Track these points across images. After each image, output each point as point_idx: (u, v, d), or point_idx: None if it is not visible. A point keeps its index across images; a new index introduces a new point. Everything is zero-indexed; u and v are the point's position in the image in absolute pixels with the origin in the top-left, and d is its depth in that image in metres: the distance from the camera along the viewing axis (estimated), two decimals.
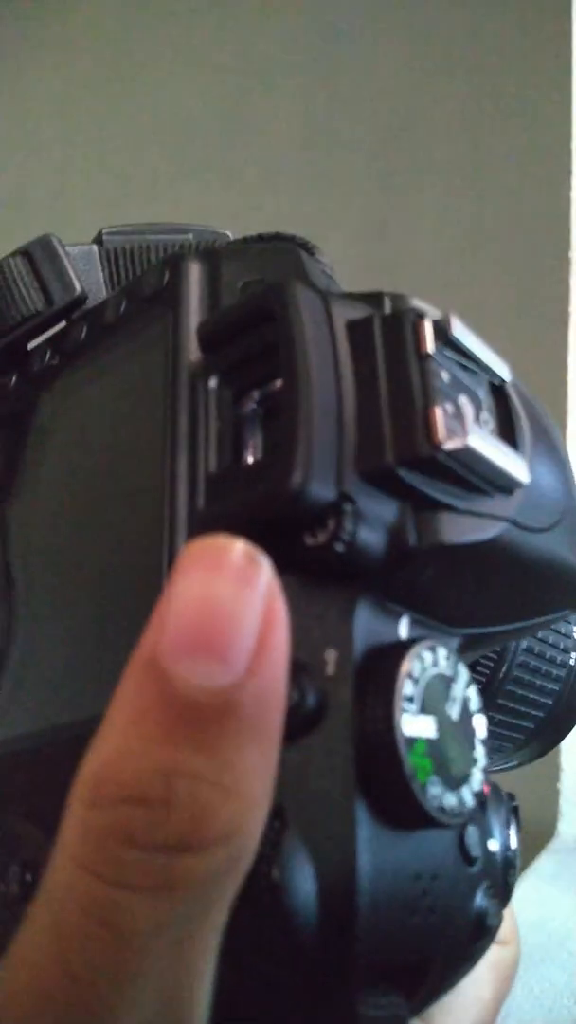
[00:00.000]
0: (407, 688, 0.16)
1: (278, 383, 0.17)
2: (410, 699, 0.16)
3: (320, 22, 0.95)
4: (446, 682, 0.17)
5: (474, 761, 0.17)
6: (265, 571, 0.14)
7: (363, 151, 0.92)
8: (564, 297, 0.76)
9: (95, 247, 0.26)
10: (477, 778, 0.17)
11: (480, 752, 0.17)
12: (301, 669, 0.16)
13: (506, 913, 0.20)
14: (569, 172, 0.76)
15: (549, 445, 0.20)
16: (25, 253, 0.26)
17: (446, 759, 0.16)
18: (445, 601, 0.18)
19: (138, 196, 1.09)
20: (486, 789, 0.18)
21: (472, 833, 0.18)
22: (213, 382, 0.18)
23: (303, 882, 0.15)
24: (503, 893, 0.19)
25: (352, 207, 0.93)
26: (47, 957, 0.13)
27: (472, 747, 0.17)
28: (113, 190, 1.11)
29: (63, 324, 0.25)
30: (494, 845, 0.19)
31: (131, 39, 1.10)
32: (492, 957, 0.23)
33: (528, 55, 0.82)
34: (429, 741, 0.16)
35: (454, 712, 0.17)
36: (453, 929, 0.17)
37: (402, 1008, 0.16)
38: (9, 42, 1.17)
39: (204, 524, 0.17)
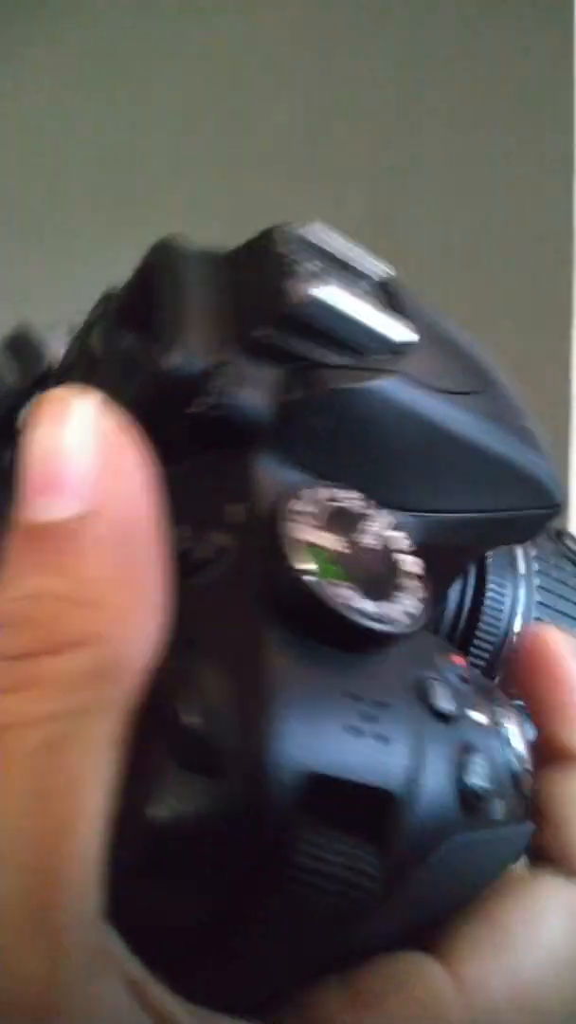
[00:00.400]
0: (303, 507, 0.17)
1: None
2: (308, 515, 0.17)
3: (320, 20, 0.95)
4: (359, 518, 0.17)
5: (400, 587, 0.17)
6: (90, 410, 0.15)
7: (363, 148, 0.92)
8: (567, 294, 0.76)
9: (67, 328, 0.27)
10: (408, 601, 0.17)
11: (412, 584, 0.17)
12: (200, 522, 0.17)
13: None
14: (571, 169, 0.76)
15: (447, 327, 0.22)
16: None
17: (365, 574, 0.16)
18: (353, 465, 0.19)
19: (138, 194, 1.09)
20: (459, 661, 0.19)
21: (440, 688, 0.17)
22: (127, 342, 0.20)
23: (219, 693, 0.15)
24: (514, 794, 0.18)
25: (352, 204, 0.93)
26: None
27: (395, 574, 0.17)
28: (112, 188, 1.11)
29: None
30: (482, 719, 0.18)
31: (130, 36, 1.10)
32: (566, 897, 0.18)
33: (529, 53, 0.81)
34: (337, 554, 0.16)
35: (375, 542, 0.17)
36: (425, 778, 0.16)
37: (365, 857, 0.15)
38: (8, 41, 1.17)
39: None
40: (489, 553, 0.24)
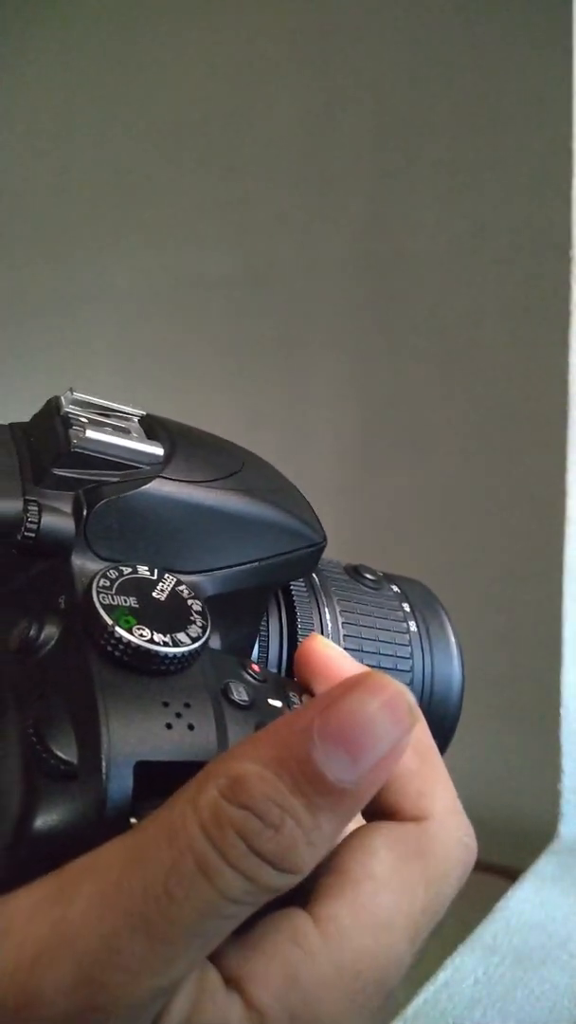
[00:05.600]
0: (103, 583, 0.23)
1: None
2: (107, 587, 0.23)
3: (320, 20, 0.95)
4: (147, 582, 0.24)
5: (187, 621, 0.24)
6: (412, 715, 0.20)
7: (363, 149, 0.92)
8: (565, 296, 0.76)
9: None
10: (193, 629, 0.23)
11: (195, 617, 0.24)
12: (36, 613, 0.24)
13: (420, 789, 0.24)
14: (570, 170, 0.76)
15: (203, 436, 0.29)
16: None
17: (156, 617, 0.23)
18: (143, 549, 0.25)
19: (138, 195, 1.09)
20: (255, 668, 0.25)
21: (237, 687, 0.24)
22: None
23: (69, 722, 0.22)
24: None
25: (352, 206, 0.93)
26: (152, 868, 0.19)
27: (182, 614, 0.24)
28: (113, 188, 1.11)
29: None
30: (276, 703, 0.25)
31: (131, 37, 1.10)
32: (392, 836, 0.23)
33: (528, 54, 0.82)
34: (131, 608, 0.23)
35: (161, 595, 0.24)
36: (229, 747, 0.22)
37: None
38: (9, 40, 1.17)
39: None
40: (295, 592, 0.31)
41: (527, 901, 0.65)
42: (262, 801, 0.19)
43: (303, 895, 0.22)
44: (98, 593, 0.23)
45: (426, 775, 0.24)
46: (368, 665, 0.30)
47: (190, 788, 0.20)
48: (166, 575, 0.25)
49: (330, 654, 0.27)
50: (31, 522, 0.24)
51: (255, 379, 1.00)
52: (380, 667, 0.31)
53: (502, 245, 0.84)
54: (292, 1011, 0.20)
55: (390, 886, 0.22)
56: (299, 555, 0.28)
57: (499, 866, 0.83)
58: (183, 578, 0.25)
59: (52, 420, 0.26)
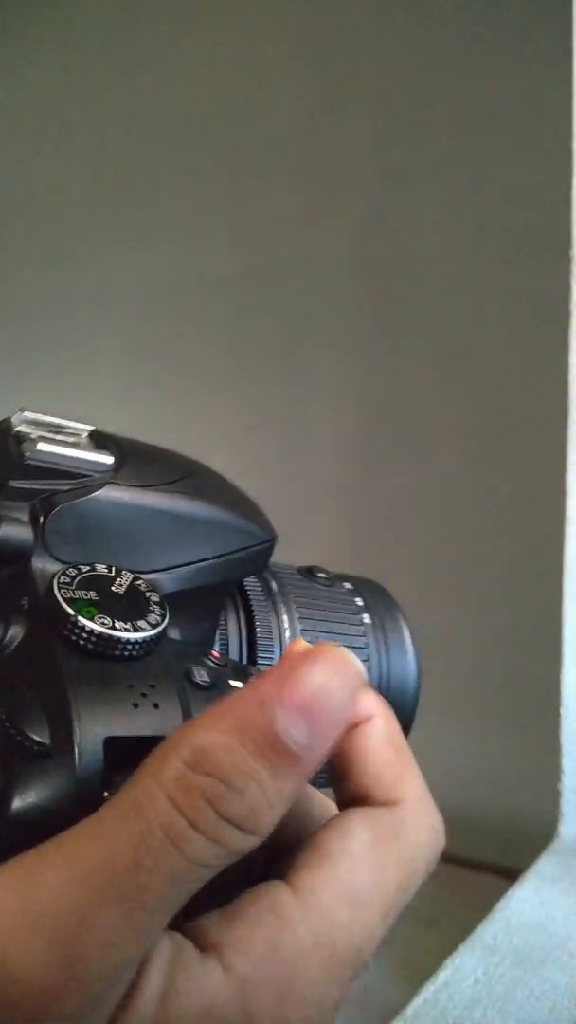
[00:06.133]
0: (64, 579, 0.25)
1: None
2: (68, 583, 0.25)
3: (320, 20, 0.95)
4: (105, 578, 0.26)
5: (146, 610, 0.25)
6: (358, 679, 0.21)
7: (363, 149, 0.92)
8: (565, 296, 0.76)
9: None
10: (152, 616, 0.25)
11: (153, 607, 0.26)
12: (6, 614, 0.25)
13: (393, 777, 0.25)
14: (570, 170, 0.76)
15: (150, 447, 0.30)
16: None
17: (116, 608, 0.25)
18: (99, 551, 0.27)
19: (138, 194, 1.09)
20: (216, 655, 0.27)
21: (198, 670, 0.25)
22: None
23: (41, 708, 0.23)
24: None
25: (352, 206, 0.93)
26: (122, 841, 0.19)
27: (140, 604, 0.25)
28: (113, 187, 1.11)
29: None
30: (237, 684, 0.26)
31: (131, 38, 1.10)
32: (368, 819, 0.24)
33: (528, 54, 0.82)
34: (92, 600, 0.25)
35: (120, 589, 0.26)
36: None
37: None
38: (9, 39, 1.17)
39: None
40: (251, 593, 0.33)
41: (527, 901, 0.65)
42: (227, 768, 0.20)
43: (281, 871, 0.23)
44: (60, 588, 0.25)
45: (399, 765, 0.26)
46: None
47: (153, 762, 0.21)
48: (123, 572, 0.27)
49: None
50: None
51: (255, 379, 1.00)
52: None
53: (502, 245, 0.84)
54: (270, 979, 0.21)
55: (366, 864, 0.23)
56: (250, 552, 0.30)
57: (499, 866, 0.83)
58: (140, 575, 0.27)
59: (5, 439, 0.28)
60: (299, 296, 0.97)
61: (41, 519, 0.27)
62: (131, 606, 0.25)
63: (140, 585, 0.27)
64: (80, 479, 0.27)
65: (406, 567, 0.94)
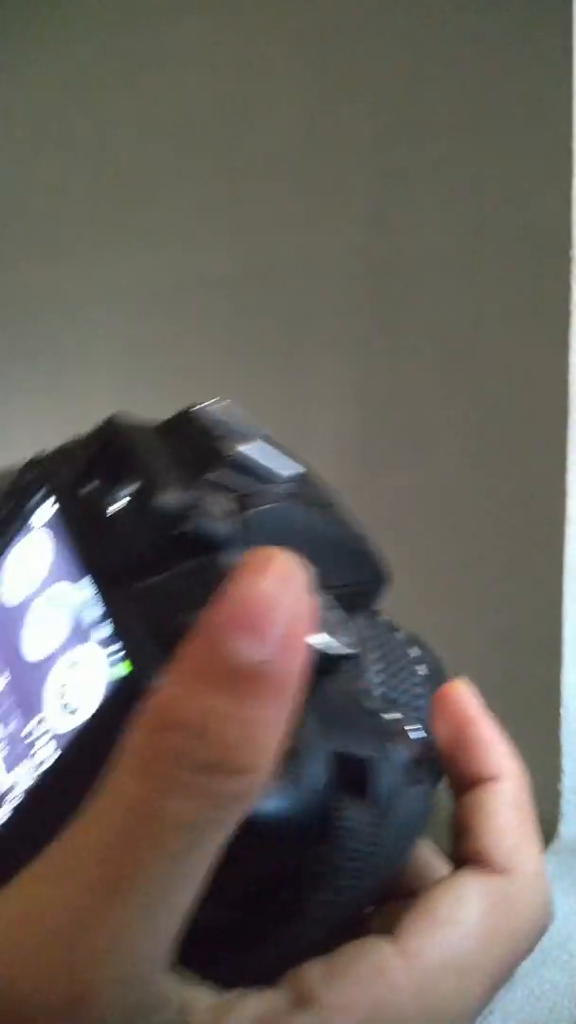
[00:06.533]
0: None
1: (124, 481, 0.27)
2: None
3: (320, 20, 0.95)
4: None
5: (341, 629, 0.25)
6: (300, 578, 0.19)
7: (363, 149, 0.92)
8: (565, 296, 0.76)
9: None
10: (346, 637, 0.25)
11: (343, 627, 0.25)
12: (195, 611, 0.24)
13: (514, 843, 0.24)
14: (570, 170, 0.76)
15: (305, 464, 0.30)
16: None
17: (324, 625, 0.24)
18: None
19: (138, 194, 1.09)
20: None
21: (371, 692, 0.26)
22: (89, 489, 0.28)
23: None
24: (432, 758, 0.26)
25: (352, 205, 0.93)
26: (98, 827, 0.18)
27: (334, 620, 0.25)
28: (113, 188, 1.11)
29: None
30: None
31: (131, 37, 1.10)
32: (484, 886, 0.23)
33: (528, 53, 0.82)
34: None
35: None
36: (391, 757, 0.24)
37: (371, 818, 0.22)
38: (9, 40, 1.17)
39: (122, 560, 0.26)
40: None
41: None
42: (183, 712, 0.18)
43: (388, 924, 0.22)
44: None
45: (521, 833, 0.25)
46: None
47: (123, 741, 0.19)
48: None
49: (471, 700, 0.28)
50: (197, 519, 0.25)
51: (255, 379, 1.00)
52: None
53: (502, 245, 0.84)
54: None
55: (476, 934, 0.22)
56: (369, 589, 0.30)
57: None
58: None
59: (191, 429, 0.28)
60: (299, 296, 0.97)
61: (238, 518, 0.26)
62: (330, 620, 0.25)
63: (328, 602, 0.26)
64: (272, 485, 0.28)
65: (406, 567, 0.93)
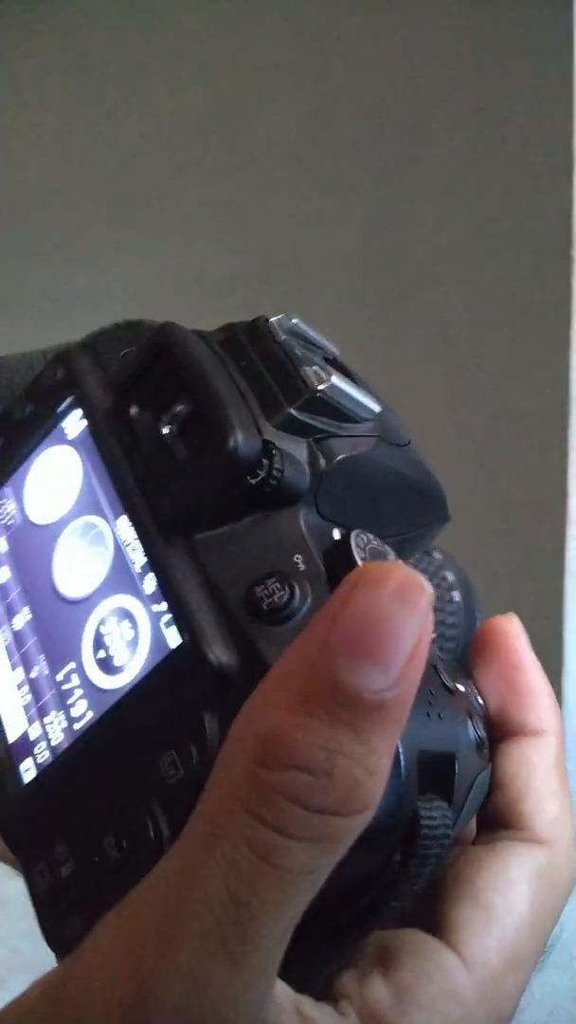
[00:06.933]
0: (358, 554, 0.22)
1: (179, 407, 0.24)
2: (364, 561, 0.21)
3: (320, 20, 0.95)
4: (381, 554, 0.22)
5: None
6: (425, 595, 0.17)
7: (363, 149, 0.92)
8: (566, 295, 0.76)
9: None
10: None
11: None
12: (282, 573, 0.21)
13: (555, 812, 0.23)
14: (570, 169, 0.76)
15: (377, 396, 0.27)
16: None
17: None
18: (356, 511, 0.24)
19: (138, 194, 1.09)
20: None
21: (442, 668, 0.23)
22: (134, 410, 0.25)
23: None
24: (486, 740, 0.24)
25: (352, 205, 0.93)
26: (208, 877, 0.17)
27: None
28: (113, 188, 1.11)
29: None
30: (464, 688, 0.25)
31: (131, 37, 1.10)
32: (529, 863, 0.22)
33: (528, 52, 0.81)
34: None
35: None
36: (465, 735, 0.22)
37: (450, 816, 0.21)
38: (9, 39, 1.17)
39: (175, 506, 0.23)
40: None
41: None
42: (303, 749, 0.17)
43: (435, 916, 0.22)
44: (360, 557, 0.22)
45: (561, 798, 0.24)
46: None
47: (222, 767, 0.18)
48: (385, 545, 0.23)
49: (520, 642, 0.26)
50: (276, 469, 0.22)
51: None
52: None
53: (502, 245, 0.83)
54: None
55: (528, 921, 0.22)
56: (435, 530, 0.28)
57: None
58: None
59: (273, 350, 0.24)
60: (299, 295, 0.97)
61: (319, 466, 0.23)
62: None
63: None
64: (354, 424, 0.24)
65: None
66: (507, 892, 0.22)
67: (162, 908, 0.17)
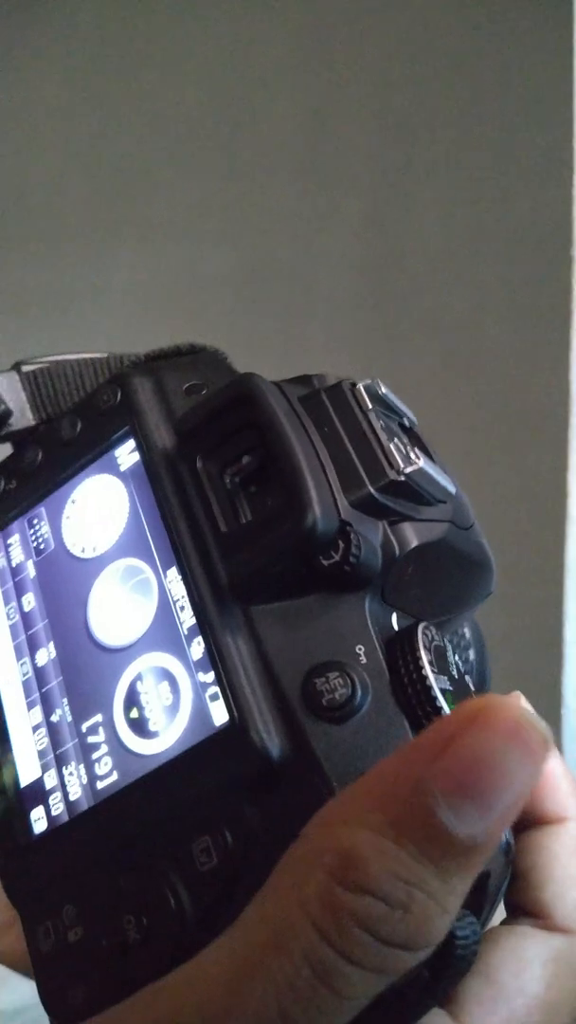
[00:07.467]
0: (425, 656, 0.21)
1: (246, 459, 0.22)
2: (431, 663, 0.21)
3: (320, 20, 0.95)
4: (443, 651, 0.22)
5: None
6: (545, 744, 0.17)
7: (363, 149, 0.92)
8: (566, 295, 0.76)
9: (14, 372, 0.28)
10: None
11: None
12: (344, 665, 0.20)
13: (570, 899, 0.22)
14: (571, 169, 0.76)
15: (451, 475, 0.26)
16: None
17: (462, 696, 0.21)
18: (418, 596, 0.23)
19: (138, 195, 1.09)
20: None
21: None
22: (199, 462, 0.23)
23: None
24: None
25: (352, 205, 0.93)
26: (262, 991, 0.16)
27: (469, 691, 0.22)
28: (112, 187, 1.11)
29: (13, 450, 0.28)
30: None
31: (131, 37, 1.10)
32: (547, 949, 0.22)
33: (528, 53, 0.81)
34: (448, 692, 0.21)
35: (455, 672, 0.22)
36: (496, 859, 0.21)
37: (479, 930, 0.20)
38: (10, 40, 1.17)
39: (237, 572, 0.21)
40: None
41: None
42: (385, 879, 0.16)
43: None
44: (428, 663, 0.21)
45: None
46: None
47: (295, 869, 0.17)
48: (445, 639, 0.22)
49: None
50: (353, 555, 0.21)
51: None
52: None
53: (502, 245, 0.83)
54: None
55: (541, 1005, 0.21)
56: (480, 603, 0.27)
57: None
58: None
59: (357, 419, 0.23)
60: (299, 295, 0.97)
61: (392, 551, 0.22)
62: (466, 692, 0.21)
63: (464, 670, 0.22)
64: (429, 507, 0.23)
65: None
66: (520, 973, 0.21)
67: (199, 1016, 0.16)
